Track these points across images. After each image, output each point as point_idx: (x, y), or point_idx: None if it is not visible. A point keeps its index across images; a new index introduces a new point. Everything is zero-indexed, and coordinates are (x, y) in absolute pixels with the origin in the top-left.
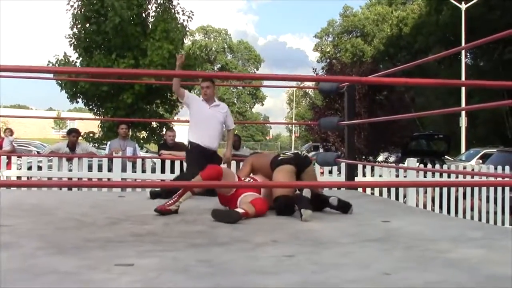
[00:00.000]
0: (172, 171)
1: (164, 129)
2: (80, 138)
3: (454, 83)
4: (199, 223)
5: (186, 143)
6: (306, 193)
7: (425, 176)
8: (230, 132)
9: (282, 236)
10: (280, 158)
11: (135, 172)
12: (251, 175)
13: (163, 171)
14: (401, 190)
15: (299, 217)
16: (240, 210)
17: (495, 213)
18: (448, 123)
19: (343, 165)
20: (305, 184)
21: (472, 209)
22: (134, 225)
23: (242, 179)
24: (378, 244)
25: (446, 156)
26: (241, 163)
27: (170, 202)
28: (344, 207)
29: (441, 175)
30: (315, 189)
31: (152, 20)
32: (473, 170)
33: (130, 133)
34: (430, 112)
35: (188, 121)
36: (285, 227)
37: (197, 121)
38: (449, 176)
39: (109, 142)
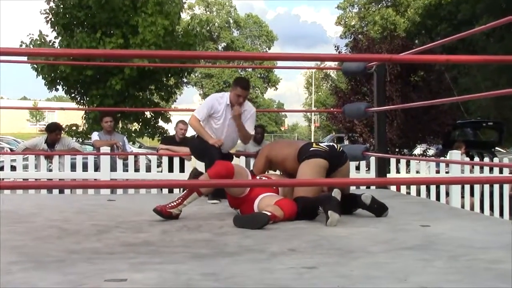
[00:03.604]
0: (171, 170)
1: (160, 120)
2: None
3: (506, 60)
4: (203, 230)
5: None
6: (336, 194)
7: (471, 172)
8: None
9: (301, 244)
10: (311, 148)
11: (127, 171)
12: (267, 172)
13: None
14: (442, 188)
15: (322, 222)
16: (266, 213)
17: None
18: (499, 108)
19: (372, 160)
20: (325, 182)
21: None
22: (126, 233)
23: (257, 177)
24: (416, 253)
25: (497, 148)
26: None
27: (173, 204)
28: (378, 209)
29: (491, 170)
30: (345, 190)
31: None
32: None
33: (120, 124)
34: (477, 95)
35: (189, 110)
36: (305, 234)
37: (214, 125)
38: (501, 171)
39: (95, 133)
